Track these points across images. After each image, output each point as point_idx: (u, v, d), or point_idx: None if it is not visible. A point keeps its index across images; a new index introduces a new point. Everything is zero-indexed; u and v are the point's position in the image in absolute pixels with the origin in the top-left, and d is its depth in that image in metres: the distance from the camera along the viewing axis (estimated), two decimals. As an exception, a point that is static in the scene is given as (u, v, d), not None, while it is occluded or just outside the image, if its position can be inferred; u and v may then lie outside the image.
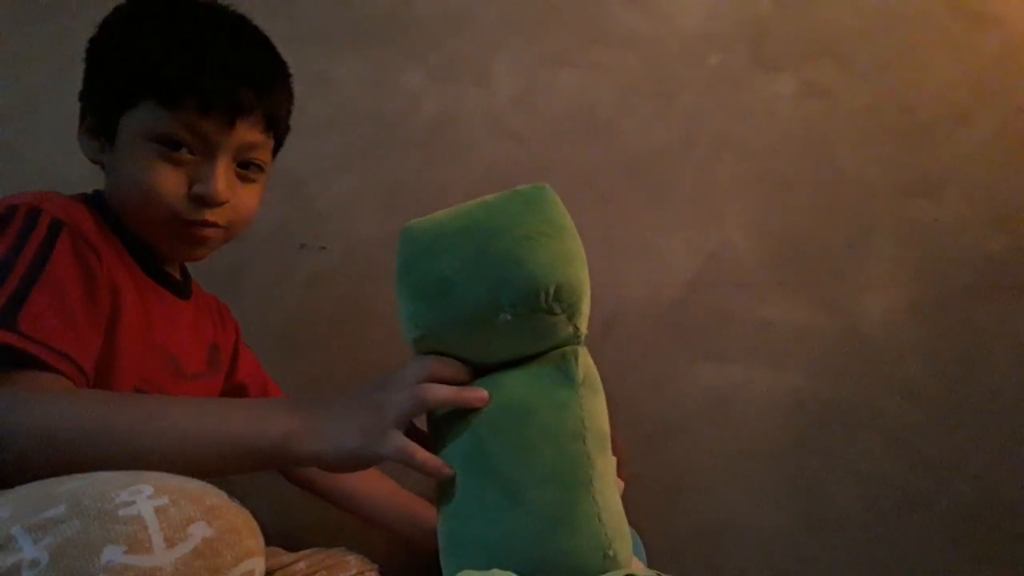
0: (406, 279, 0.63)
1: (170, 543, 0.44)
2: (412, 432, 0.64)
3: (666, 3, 1.28)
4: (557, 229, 0.61)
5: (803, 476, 1.17)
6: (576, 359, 0.61)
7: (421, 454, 0.60)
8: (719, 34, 1.27)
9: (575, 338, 0.62)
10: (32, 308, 0.62)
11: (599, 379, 0.63)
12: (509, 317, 0.58)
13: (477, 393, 0.61)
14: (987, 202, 1.21)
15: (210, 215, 0.77)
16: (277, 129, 0.83)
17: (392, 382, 0.63)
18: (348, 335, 1.21)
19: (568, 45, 1.27)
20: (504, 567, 0.55)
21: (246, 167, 0.80)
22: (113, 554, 0.43)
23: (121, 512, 0.44)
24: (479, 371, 0.63)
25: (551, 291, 0.58)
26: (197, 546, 0.45)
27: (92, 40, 0.80)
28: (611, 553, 0.56)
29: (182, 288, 0.86)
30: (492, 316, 0.59)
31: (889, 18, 1.26)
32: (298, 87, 1.29)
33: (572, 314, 0.60)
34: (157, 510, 0.45)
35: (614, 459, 0.62)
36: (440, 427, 0.63)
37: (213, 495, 0.49)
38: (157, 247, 0.80)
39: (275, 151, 0.86)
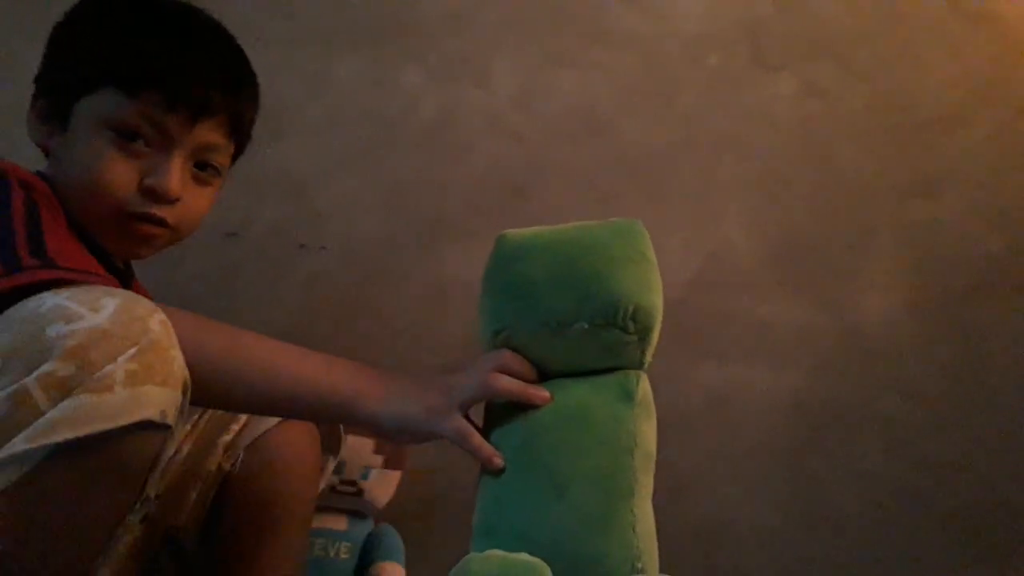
0: (494, 278, 0.66)
1: (94, 310, 0.51)
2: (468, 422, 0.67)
3: (666, 3, 1.28)
4: (643, 259, 0.65)
5: (803, 476, 1.17)
6: (638, 381, 0.65)
7: (477, 439, 0.63)
8: (719, 34, 1.27)
9: (640, 363, 0.65)
10: (54, 247, 0.62)
11: (654, 406, 0.65)
12: (586, 326, 0.62)
13: (541, 392, 0.63)
14: (987, 202, 1.21)
15: (158, 210, 0.74)
16: (240, 135, 0.81)
17: (463, 368, 0.66)
18: (348, 335, 1.21)
19: (568, 45, 1.27)
20: (537, 556, 0.57)
21: (203, 168, 0.77)
22: (57, 328, 0.50)
23: (40, 310, 0.51)
24: (544, 378, 0.66)
25: (629, 310, 0.62)
26: (115, 308, 0.52)
27: (58, 25, 0.77)
28: (639, 565, 0.58)
29: (124, 276, 0.82)
30: (570, 323, 0.62)
31: (889, 18, 1.26)
32: (298, 87, 1.30)
33: (643, 337, 0.64)
34: (67, 298, 0.52)
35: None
36: (498, 416, 0.65)
37: (99, 289, 0.55)
38: (98, 240, 0.76)
39: (235, 157, 0.84)
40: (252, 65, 0.83)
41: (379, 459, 1.05)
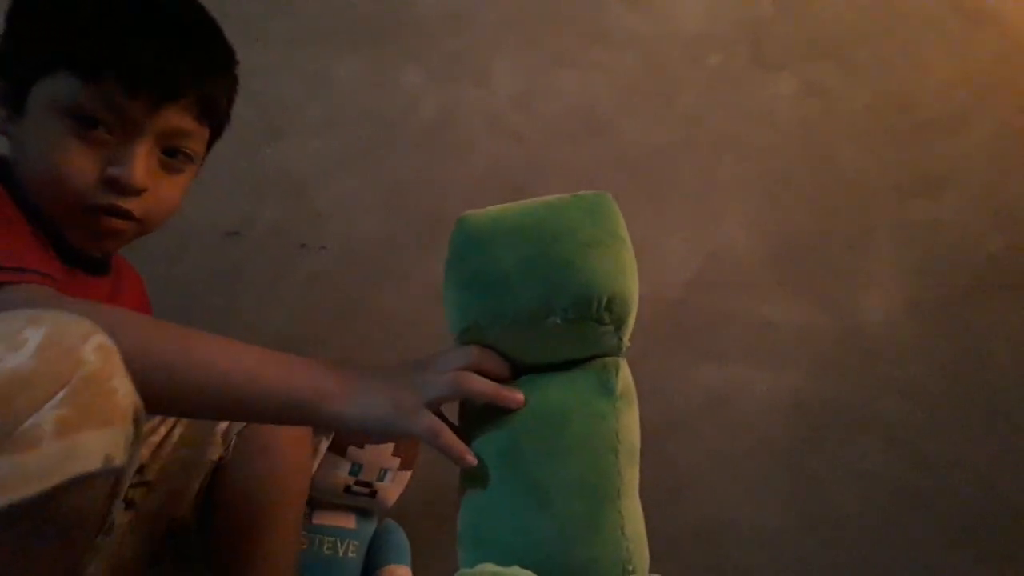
0: (458, 269, 0.63)
1: (14, 348, 0.45)
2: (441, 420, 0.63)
3: (666, 3, 1.28)
4: (616, 239, 0.61)
5: (803, 476, 1.17)
6: (617, 371, 0.62)
7: (448, 436, 0.60)
8: (719, 34, 1.27)
9: (618, 350, 0.63)
10: None
11: (635, 393, 0.63)
12: (559, 321, 0.59)
13: (514, 394, 0.60)
14: (987, 202, 1.21)
15: (124, 202, 0.68)
16: (213, 117, 0.75)
17: (432, 364, 0.62)
18: (348, 335, 1.21)
19: (568, 45, 1.27)
20: (524, 568, 0.55)
21: (172, 155, 0.71)
22: None
23: None
24: (519, 370, 0.63)
25: (604, 301, 0.59)
26: (39, 342, 0.45)
27: (14, 3, 0.72)
28: (631, 568, 0.56)
29: (98, 264, 0.77)
30: (542, 317, 0.59)
31: (889, 18, 1.26)
32: (298, 87, 1.30)
33: (620, 326, 0.61)
34: None
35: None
36: (474, 420, 0.63)
37: (21, 311, 0.48)
38: (62, 233, 0.71)
39: (212, 142, 0.78)
40: (230, 45, 0.77)
41: (396, 461, 1.04)
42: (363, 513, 1.07)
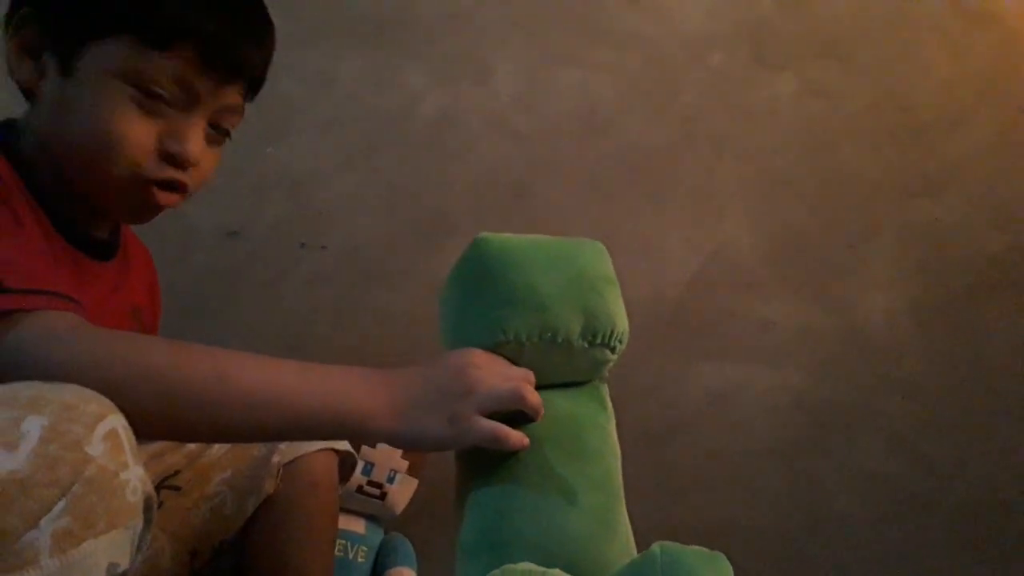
0: (495, 285, 0.65)
1: (10, 446, 0.40)
2: None
3: (666, 3, 1.28)
4: (615, 282, 0.67)
5: (803, 476, 1.17)
6: (607, 392, 0.68)
7: (515, 437, 0.59)
8: (719, 34, 1.27)
9: (603, 377, 0.69)
10: (2, 255, 0.55)
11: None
12: (585, 345, 0.64)
13: (543, 410, 0.62)
14: (987, 202, 1.21)
15: (177, 175, 0.66)
16: (254, 95, 0.73)
17: (492, 367, 0.61)
18: (348, 335, 1.21)
19: (569, 45, 1.27)
20: (552, 566, 0.55)
21: (216, 129, 0.69)
22: None
23: None
24: None
25: (619, 332, 0.64)
26: (40, 435, 0.41)
27: None
28: None
29: (105, 248, 0.73)
30: (574, 340, 0.64)
31: (889, 18, 1.26)
32: (298, 87, 1.30)
33: (616, 355, 0.67)
34: None
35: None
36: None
37: (24, 389, 0.44)
38: (99, 205, 0.68)
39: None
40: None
41: (405, 464, 1.07)
42: (372, 520, 1.08)
